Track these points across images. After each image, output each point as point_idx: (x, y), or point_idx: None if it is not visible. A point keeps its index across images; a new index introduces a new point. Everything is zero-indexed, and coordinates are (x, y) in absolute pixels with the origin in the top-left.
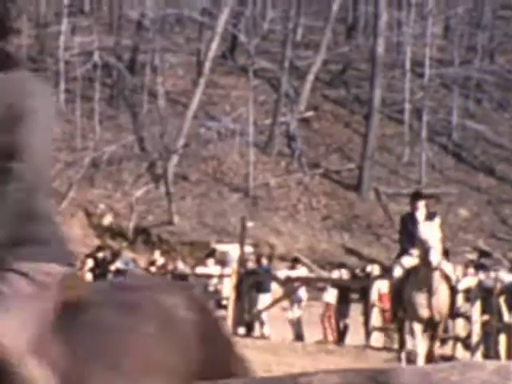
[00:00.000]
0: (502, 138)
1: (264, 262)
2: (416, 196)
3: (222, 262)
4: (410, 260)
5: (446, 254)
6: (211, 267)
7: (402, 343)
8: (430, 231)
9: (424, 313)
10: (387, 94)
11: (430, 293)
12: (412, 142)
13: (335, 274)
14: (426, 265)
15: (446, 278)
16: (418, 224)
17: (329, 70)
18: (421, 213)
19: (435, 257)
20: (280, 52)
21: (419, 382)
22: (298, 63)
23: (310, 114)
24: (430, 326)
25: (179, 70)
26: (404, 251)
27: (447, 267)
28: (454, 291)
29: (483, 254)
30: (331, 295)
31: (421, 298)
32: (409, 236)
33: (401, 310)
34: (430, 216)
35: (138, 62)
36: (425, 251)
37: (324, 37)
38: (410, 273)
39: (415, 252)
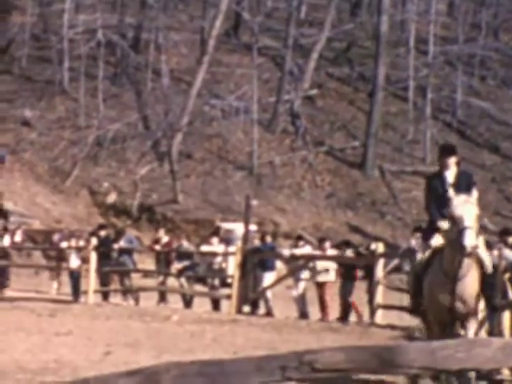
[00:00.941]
0: (506, 115)
1: (268, 239)
2: (446, 151)
3: (227, 240)
4: (440, 239)
5: (489, 246)
6: (216, 245)
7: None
8: (466, 207)
9: (446, 302)
10: (391, 71)
11: (455, 279)
12: (416, 120)
13: (327, 250)
14: (457, 249)
15: (479, 262)
16: (451, 199)
17: (333, 48)
18: (451, 172)
19: (470, 240)
20: (284, 30)
21: (424, 359)
22: (302, 41)
23: (314, 91)
24: (454, 318)
25: (183, 48)
26: (432, 223)
27: (482, 252)
28: (487, 279)
29: (506, 231)
30: (330, 274)
31: (443, 288)
32: (437, 201)
33: (423, 300)
34: (461, 177)
35: (141, 40)
36: (458, 232)
37: (328, 14)
38: (434, 254)
39: (445, 225)
